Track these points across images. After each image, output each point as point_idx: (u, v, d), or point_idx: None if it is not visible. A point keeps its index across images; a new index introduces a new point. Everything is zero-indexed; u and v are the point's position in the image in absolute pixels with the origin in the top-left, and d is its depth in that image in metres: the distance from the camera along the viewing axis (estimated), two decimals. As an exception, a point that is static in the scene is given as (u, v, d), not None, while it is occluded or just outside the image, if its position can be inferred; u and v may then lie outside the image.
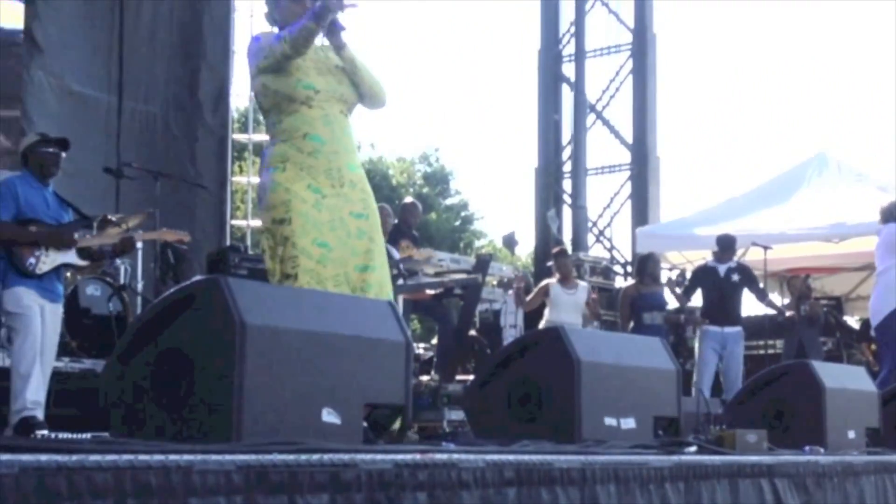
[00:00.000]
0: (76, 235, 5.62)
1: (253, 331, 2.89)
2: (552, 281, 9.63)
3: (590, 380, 4.06)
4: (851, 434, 5.29)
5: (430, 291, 8.15)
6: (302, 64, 4.10)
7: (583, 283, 9.85)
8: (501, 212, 50.80)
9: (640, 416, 4.29)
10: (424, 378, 8.57)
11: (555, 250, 10.51)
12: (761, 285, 9.46)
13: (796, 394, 5.22)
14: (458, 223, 33.63)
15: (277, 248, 3.98)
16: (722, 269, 9.18)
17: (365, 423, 3.29)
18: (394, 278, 7.34)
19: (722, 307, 9.08)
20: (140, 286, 8.10)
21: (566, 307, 9.35)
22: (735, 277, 9.11)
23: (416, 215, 9.59)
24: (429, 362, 10.12)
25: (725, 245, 9.27)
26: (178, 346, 2.98)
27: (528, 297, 9.72)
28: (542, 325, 9.54)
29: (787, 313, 10.20)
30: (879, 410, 5.67)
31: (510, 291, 10.63)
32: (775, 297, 12.43)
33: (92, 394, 5.67)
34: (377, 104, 4.35)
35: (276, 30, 4.26)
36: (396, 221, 9.13)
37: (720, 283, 9.11)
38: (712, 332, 9.07)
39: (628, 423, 4.20)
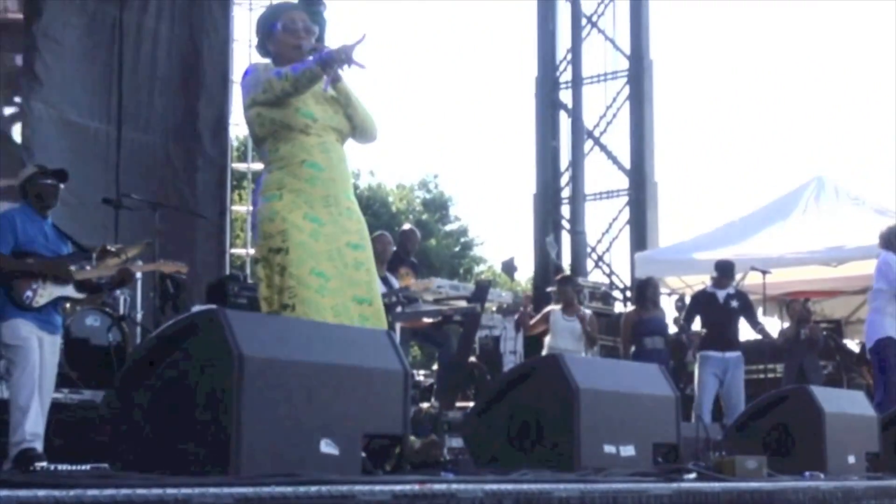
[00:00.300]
0: (74, 268, 5.62)
1: (251, 362, 2.90)
2: (555, 308, 9.67)
3: (589, 407, 4.06)
4: (851, 459, 5.29)
5: (427, 320, 8.15)
6: None
7: (585, 311, 9.86)
8: (501, 237, 50.88)
9: (640, 443, 4.28)
10: (424, 405, 8.55)
11: (558, 277, 10.53)
12: (758, 312, 9.48)
13: (796, 419, 5.22)
14: (457, 249, 33.66)
15: (274, 277, 3.96)
16: (721, 294, 9.18)
17: (363, 454, 3.29)
18: (392, 306, 7.35)
19: (722, 332, 9.08)
20: (139, 316, 8.11)
21: (564, 334, 9.37)
22: (734, 304, 9.12)
23: (414, 241, 9.62)
24: (429, 389, 10.11)
25: (724, 270, 9.29)
26: (177, 378, 2.99)
27: (532, 322, 9.74)
28: (543, 352, 9.56)
29: (776, 336, 10.28)
30: (879, 435, 5.66)
31: (512, 317, 10.63)
32: (775, 321, 12.41)
33: (91, 425, 5.71)
34: (368, 139, 4.33)
35: (268, 60, 4.27)
36: (395, 249, 9.15)
37: (720, 308, 9.12)
38: (713, 358, 9.06)
39: (628, 451, 4.20)
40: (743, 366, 9.18)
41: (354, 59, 4.01)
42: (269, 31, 4.26)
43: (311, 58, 4.06)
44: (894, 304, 7.45)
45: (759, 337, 9.50)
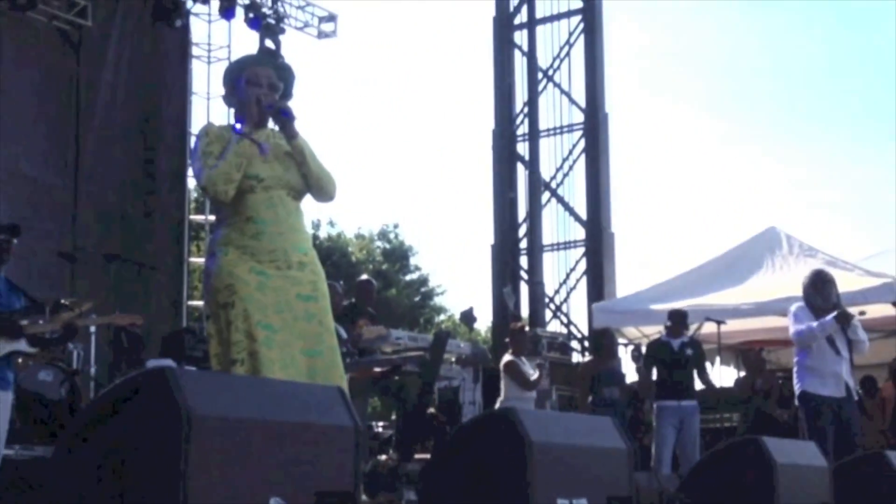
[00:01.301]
0: (26, 322, 5.59)
1: (199, 421, 2.88)
2: (509, 357, 9.72)
3: (542, 461, 4.07)
4: (803, 510, 5.33)
5: (377, 370, 8.11)
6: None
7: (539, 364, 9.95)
8: (461, 287, 50.92)
9: (593, 496, 4.29)
10: (383, 457, 8.51)
11: (517, 325, 10.57)
12: (716, 361, 9.57)
13: (749, 470, 5.25)
14: (417, 299, 33.64)
15: (222, 332, 3.93)
16: (675, 343, 9.26)
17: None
18: (342, 357, 7.32)
19: (678, 381, 9.15)
20: (93, 370, 8.04)
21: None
22: (689, 352, 9.21)
23: (370, 292, 9.61)
24: (388, 441, 10.07)
25: (677, 319, 9.38)
26: (124, 437, 2.97)
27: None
28: (501, 397, 9.62)
29: (730, 387, 10.39)
30: (831, 485, 5.72)
31: (470, 368, 10.63)
32: (731, 371, 12.51)
33: (43, 482, 5.62)
34: (324, 198, 4.29)
35: (230, 112, 4.28)
36: (353, 300, 9.15)
37: (675, 357, 9.19)
38: (670, 408, 9.11)
39: (581, 504, 4.21)
40: (699, 415, 9.24)
41: (284, 108, 4.04)
42: (234, 85, 4.23)
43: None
44: (806, 355, 7.51)
45: (724, 384, 9.57)
